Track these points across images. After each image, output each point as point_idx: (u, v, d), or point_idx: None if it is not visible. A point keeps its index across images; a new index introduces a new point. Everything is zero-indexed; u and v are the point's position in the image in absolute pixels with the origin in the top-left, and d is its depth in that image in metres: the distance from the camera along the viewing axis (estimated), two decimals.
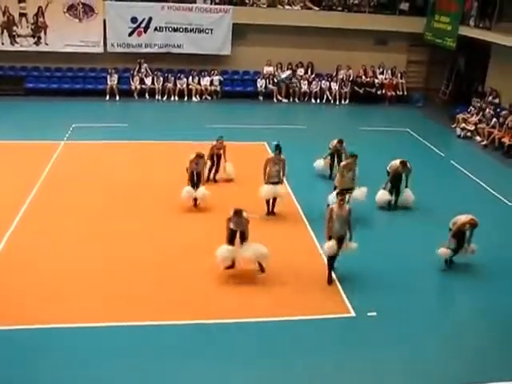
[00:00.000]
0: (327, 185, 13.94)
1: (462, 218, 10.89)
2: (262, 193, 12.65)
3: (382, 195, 13.46)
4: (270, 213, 12.90)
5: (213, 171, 14.35)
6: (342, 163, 13.04)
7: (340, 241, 10.30)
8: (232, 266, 10.47)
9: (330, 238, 10.23)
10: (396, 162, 13.37)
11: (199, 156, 12.85)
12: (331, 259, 10.40)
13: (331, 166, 14.87)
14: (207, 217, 12.48)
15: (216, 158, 14.22)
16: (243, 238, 10.25)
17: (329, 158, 14.84)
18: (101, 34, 22.24)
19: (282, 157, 12.72)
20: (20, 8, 21.57)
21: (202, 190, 12.92)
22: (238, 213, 10.04)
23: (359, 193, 12.72)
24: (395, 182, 13.44)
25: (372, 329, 9.24)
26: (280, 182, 12.75)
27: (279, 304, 9.74)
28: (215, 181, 14.40)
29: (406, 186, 13.47)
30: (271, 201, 12.85)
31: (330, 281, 10.40)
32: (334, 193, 11.86)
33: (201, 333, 8.92)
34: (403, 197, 13.04)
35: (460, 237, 10.94)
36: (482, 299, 10.34)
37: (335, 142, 14.60)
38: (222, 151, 14.20)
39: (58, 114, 19.82)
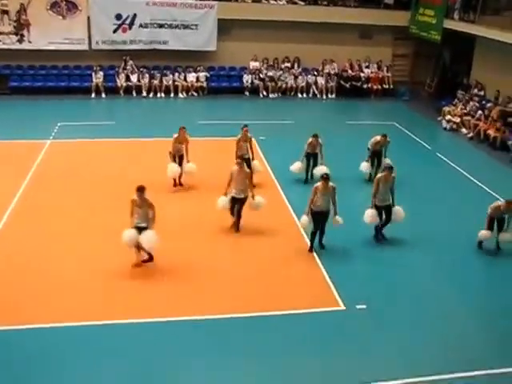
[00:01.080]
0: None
1: (498, 203, 11.39)
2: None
3: (364, 167, 14.64)
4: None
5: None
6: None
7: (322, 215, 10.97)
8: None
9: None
10: (376, 137, 14.42)
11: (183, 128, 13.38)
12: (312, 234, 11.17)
13: (307, 169, 14.50)
14: (195, 212, 12.49)
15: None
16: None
17: (305, 159, 14.37)
18: (85, 31, 22.09)
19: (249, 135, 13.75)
20: (1, 5, 21.33)
21: (189, 164, 13.43)
22: (140, 189, 10.05)
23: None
24: (377, 156, 14.55)
25: (362, 322, 9.28)
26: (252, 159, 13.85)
27: (266, 298, 9.76)
28: None
29: (385, 156, 14.52)
30: None
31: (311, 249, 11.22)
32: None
33: (191, 329, 8.94)
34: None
35: (492, 222, 11.45)
36: (468, 287, 10.48)
37: (311, 138, 14.26)
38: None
39: (43, 112, 19.68)
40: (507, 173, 16.26)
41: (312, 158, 14.33)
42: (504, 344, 8.96)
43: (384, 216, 11.65)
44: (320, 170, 13.72)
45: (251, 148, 13.92)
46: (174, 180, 13.84)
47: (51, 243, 11.09)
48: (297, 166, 14.42)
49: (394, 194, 11.57)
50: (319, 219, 11.05)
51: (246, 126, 13.90)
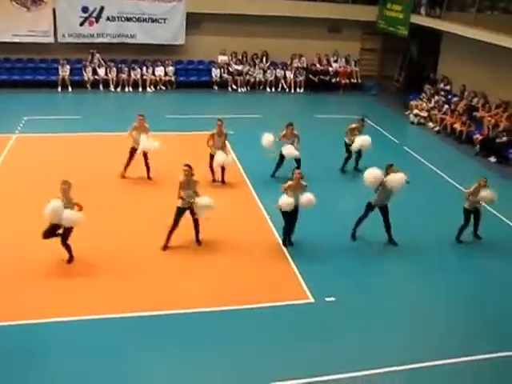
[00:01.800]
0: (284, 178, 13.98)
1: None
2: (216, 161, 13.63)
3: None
4: (217, 180, 13.93)
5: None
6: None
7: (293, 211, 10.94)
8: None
9: None
10: (351, 125, 14.83)
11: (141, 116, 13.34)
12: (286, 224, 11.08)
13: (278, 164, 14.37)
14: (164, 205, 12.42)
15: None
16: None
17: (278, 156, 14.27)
18: (50, 23, 21.71)
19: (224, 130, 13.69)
20: None
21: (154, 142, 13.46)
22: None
23: None
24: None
25: (331, 314, 9.36)
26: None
27: (236, 292, 9.79)
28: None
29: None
30: (220, 169, 13.83)
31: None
32: None
33: (160, 323, 8.91)
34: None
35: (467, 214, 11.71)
36: (437, 279, 10.65)
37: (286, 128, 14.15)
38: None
39: (8, 106, 19.28)
40: (473, 166, 16.53)
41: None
42: (468, 335, 9.16)
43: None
44: (289, 149, 13.82)
45: (224, 142, 13.86)
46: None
47: (17, 239, 10.92)
48: (267, 139, 14.26)
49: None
50: (290, 216, 11.07)
51: (220, 120, 13.78)
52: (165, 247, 10.91)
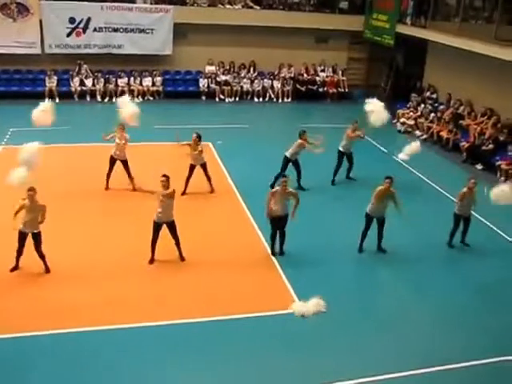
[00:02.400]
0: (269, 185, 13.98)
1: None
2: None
3: None
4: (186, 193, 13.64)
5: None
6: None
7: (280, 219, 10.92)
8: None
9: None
10: (349, 131, 14.78)
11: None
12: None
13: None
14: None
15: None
16: None
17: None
18: (37, 34, 21.64)
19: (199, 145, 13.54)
20: None
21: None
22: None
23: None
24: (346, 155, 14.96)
25: (321, 324, 9.35)
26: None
27: (225, 302, 9.77)
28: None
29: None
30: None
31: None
32: None
33: (147, 334, 8.86)
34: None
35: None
36: (428, 287, 10.73)
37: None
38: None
39: None
40: (460, 173, 16.61)
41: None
42: (461, 341, 9.18)
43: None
44: None
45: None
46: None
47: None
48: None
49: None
50: (277, 223, 11.06)
51: (196, 134, 13.57)
52: (151, 260, 10.83)
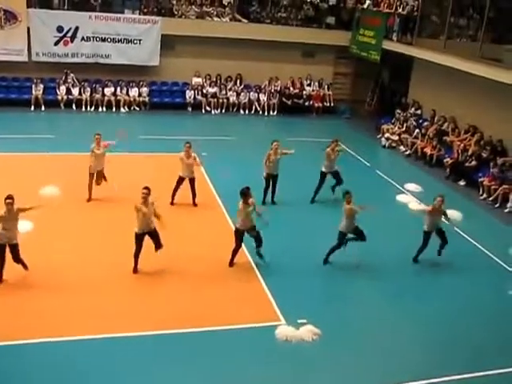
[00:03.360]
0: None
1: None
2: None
3: None
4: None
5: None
6: None
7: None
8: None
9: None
10: (327, 151, 14.56)
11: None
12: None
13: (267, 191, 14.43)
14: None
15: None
16: None
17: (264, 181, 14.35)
18: (25, 42, 21.57)
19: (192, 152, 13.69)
20: None
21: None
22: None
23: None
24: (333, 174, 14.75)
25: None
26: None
27: (206, 313, 9.76)
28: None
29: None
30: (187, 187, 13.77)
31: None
32: None
33: (127, 344, 8.83)
34: None
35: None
36: (407, 299, 10.77)
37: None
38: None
39: None
40: (443, 189, 16.73)
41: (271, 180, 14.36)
42: (442, 354, 9.25)
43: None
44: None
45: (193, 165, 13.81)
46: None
47: None
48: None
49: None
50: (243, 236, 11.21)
51: (187, 143, 13.80)
52: (135, 270, 10.79)
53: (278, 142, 14.18)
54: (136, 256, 10.70)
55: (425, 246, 12.00)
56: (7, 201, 9.75)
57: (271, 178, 14.28)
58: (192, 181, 13.78)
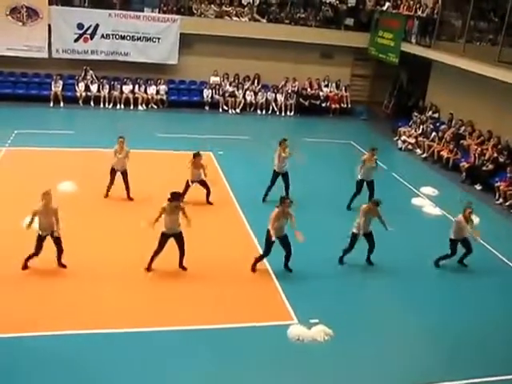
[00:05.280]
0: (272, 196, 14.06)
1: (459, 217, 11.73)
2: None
3: None
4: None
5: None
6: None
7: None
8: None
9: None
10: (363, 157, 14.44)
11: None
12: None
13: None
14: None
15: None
16: None
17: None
18: (45, 38, 21.84)
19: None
20: None
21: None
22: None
23: None
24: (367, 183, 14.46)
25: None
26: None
27: (220, 311, 9.81)
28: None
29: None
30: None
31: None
32: None
33: (142, 340, 8.92)
34: None
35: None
36: (422, 304, 10.75)
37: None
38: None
39: None
40: (459, 193, 16.71)
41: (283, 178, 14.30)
42: (456, 357, 9.25)
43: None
44: None
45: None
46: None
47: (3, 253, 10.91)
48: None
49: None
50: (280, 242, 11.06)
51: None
52: (148, 269, 10.84)
53: (287, 142, 14.16)
54: (154, 255, 10.69)
55: (453, 253, 11.90)
56: (43, 196, 10.09)
57: (281, 176, 14.28)
58: (124, 174, 13.75)
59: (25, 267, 10.39)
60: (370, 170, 14.41)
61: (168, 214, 10.46)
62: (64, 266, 10.58)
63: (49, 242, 10.35)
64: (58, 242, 10.37)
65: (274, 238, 10.62)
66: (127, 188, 13.78)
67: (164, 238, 10.59)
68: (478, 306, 10.91)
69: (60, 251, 10.48)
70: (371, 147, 14.66)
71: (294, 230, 10.63)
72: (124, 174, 13.71)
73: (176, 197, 10.55)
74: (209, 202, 14.05)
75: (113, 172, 13.69)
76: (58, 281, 10.26)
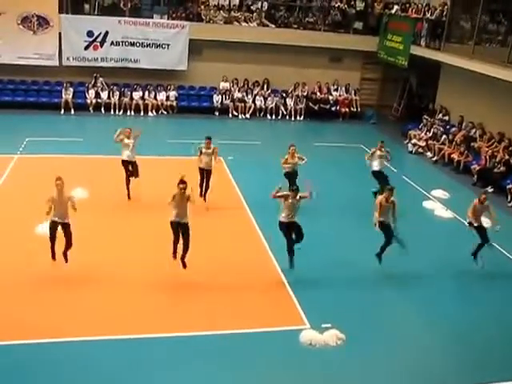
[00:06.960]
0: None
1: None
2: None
3: None
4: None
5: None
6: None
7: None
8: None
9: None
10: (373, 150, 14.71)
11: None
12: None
13: None
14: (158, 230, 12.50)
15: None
16: None
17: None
18: (56, 46, 22.03)
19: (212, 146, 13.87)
20: None
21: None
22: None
23: None
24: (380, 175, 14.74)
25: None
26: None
27: (232, 316, 9.82)
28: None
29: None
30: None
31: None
32: None
33: (154, 346, 8.94)
34: None
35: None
36: (436, 308, 10.71)
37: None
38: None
39: (11, 127, 19.48)
40: (471, 196, 16.58)
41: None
42: (470, 363, 9.19)
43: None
44: None
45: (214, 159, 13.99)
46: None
47: (13, 260, 10.97)
48: None
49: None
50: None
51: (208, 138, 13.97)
52: (174, 256, 10.85)
53: (295, 147, 14.16)
54: (174, 244, 10.79)
55: (485, 240, 11.87)
56: (56, 182, 10.28)
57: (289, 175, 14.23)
58: (209, 173, 13.94)
59: (53, 258, 10.52)
60: (382, 158, 14.73)
61: (177, 203, 10.49)
62: (66, 259, 10.56)
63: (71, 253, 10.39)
64: (67, 229, 10.37)
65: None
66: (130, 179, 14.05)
67: (173, 226, 10.66)
68: (490, 309, 10.83)
69: (68, 243, 10.46)
70: (379, 141, 14.95)
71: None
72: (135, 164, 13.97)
73: (182, 181, 10.65)
74: (204, 198, 14.07)
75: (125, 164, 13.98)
76: (67, 285, 10.30)
